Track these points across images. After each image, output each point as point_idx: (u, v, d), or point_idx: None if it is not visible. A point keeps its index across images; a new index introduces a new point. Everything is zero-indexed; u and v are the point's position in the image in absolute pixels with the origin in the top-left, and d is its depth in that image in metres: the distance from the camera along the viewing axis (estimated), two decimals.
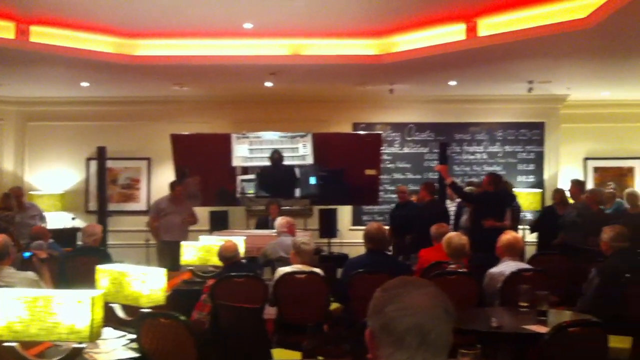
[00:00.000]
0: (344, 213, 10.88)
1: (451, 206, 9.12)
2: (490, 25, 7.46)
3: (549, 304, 4.56)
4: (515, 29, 7.22)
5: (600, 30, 6.71)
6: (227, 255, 5.75)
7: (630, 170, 11.50)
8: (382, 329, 1.57)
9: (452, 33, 7.74)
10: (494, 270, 5.39)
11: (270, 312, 5.49)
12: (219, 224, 9.79)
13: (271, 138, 10.13)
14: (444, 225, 6.80)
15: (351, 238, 10.09)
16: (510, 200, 8.76)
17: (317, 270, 5.58)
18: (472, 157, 11.24)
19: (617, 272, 5.00)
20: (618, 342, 4.27)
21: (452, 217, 8.87)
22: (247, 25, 7.60)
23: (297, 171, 9.99)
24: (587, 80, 9.66)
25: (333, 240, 10.09)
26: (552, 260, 6.88)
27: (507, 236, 5.58)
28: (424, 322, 1.53)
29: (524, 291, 4.72)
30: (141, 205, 11.04)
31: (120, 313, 4.29)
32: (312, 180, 9.98)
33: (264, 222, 9.40)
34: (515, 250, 5.53)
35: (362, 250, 5.96)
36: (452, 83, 9.79)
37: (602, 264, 5.27)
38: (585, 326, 3.66)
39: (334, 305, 6.00)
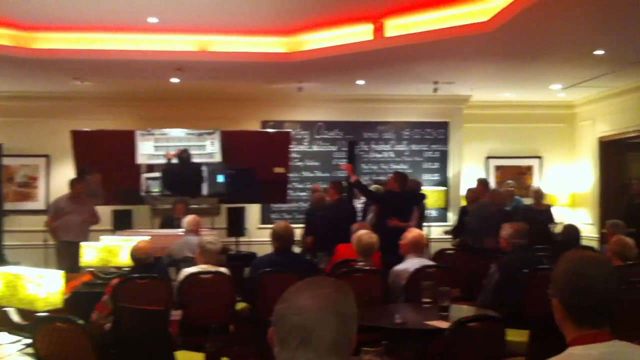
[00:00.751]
0: (253, 211, 10.82)
1: (358, 204, 9.21)
2: (397, 26, 7.58)
3: (450, 299, 4.67)
4: (421, 31, 7.37)
5: (501, 34, 6.94)
6: (140, 257, 5.57)
7: (529, 169, 11.98)
8: (274, 327, 1.60)
9: (360, 33, 7.81)
10: (399, 267, 5.47)
11: (175, 312, 5.37)
12: (122, 223, 9.50)
13: (178, 135, 9.93)
14: (365, 224, 6.85)
15: (260, 237, 10.03)
16: (419, 199, 8.91)
17: (223, 269, 5.50)
18: (379, 155, 11.41)
19: (516, 268, 5.18)
20: (516, 335, 4.41)
21: (359, 215, 8.96)
22: (152, 20, 7.42)
23: (204, 169, 9.83)
24: (489, 81, 9.99)
25: (241, 239, 10.00)
26: (454, 257, 7.07)
27: (412, 233, 5.67)
28: (307, 322, 1.54)
29: (427, 287, 4.81)
30: (39, 204, 10.59)
31: (15, 317, 4.11)
32: (220, 179, 9.84)
33: (169, 221, 9.20)
34: (419, 247, 5.63)
35: (270, 249, 5.92)
36: (360, 82, 9.90)
37: (501, 260, 5.44)
38: (484, 321, 3.76)
39: (241, 305, 5.94)
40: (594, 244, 9.83)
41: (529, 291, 5.02)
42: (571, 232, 7.26)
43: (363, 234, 5.83)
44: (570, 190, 11.75)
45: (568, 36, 7.14)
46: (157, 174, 9.74)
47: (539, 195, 9.77)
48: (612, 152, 11.10)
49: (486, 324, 3.74)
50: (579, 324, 1.96)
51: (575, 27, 6.87)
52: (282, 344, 1.56)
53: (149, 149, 9.79)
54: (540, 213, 9.44)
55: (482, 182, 9.92)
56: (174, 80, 9.19)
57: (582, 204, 11.63)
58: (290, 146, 10.55)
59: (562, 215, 10.98)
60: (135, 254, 5.57)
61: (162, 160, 9.73)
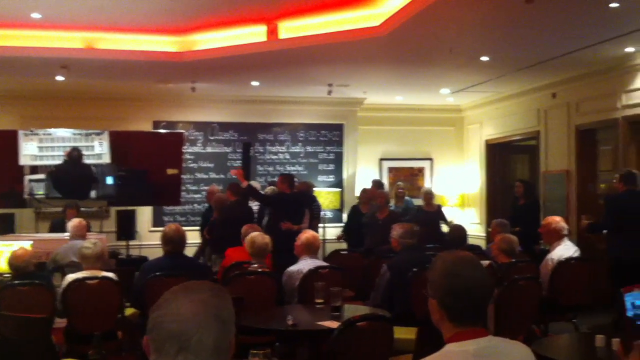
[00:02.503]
0: (144, 214, 10.54)
1: (253, 206, 9.15)
2: (291, 29, 7.59)
3: (343, 299, 4.71)
4: (314, 33, 7.41)
5: (392, 39, 7.08)
6: (19, 265, 5.27)
7: (420, 171, 12.31)
8: (149, 334, 1.55)
9: (254, 34, 7.78)
10: (293, 268, 5.48)
11: (59, 320, 5.14)
12: (3, 227, 8.99)
13: (63, 135, 9.50)
14: (255, 225, 6.79)
15: (151, 240, 9.76)
16: (309, 201, 8.94)
17: (109, 274, 5.31)
18: (275, 157, 11.40)
19: (406, 267, 5.29)
20: (405, 333, 4.51)
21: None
22: (36, 15, 7.08)
23: (94, 170, 9.45)
24: (382, 85, 10.18)
25: (132, 242, 9.70)
26: (348, 257, 7.16)
27: (306, 235, 5.70)
28: (184, 329, 1.51)
29: (319, 288, 4.85)
30: None
31: None
32: (110, 180, 9.49)
33: (60, 225, 8.77)
34: (313, 248, 5.66)
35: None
36: (255, 84, 9.85)
37: (392, 260, 5.55)
38: (372, 320, 3.80)
39: (130, 311, 5.76)
40: (482, 243, 10.21)
41: (417, 290, 5.13)
42: (457, 232, 7.51)
43: (256, 235, 5.79)
44: (459, 191, 12.17)
45: (455, 42, 7.38)
46: (41, 176, 9.29)
47: (429, 196, 10.04)
48: (497, 154, 11.59)
49: (374, 323, 3.78)
50: (455, 322, 2.01)
51: (462, 34, 7.12)
52: (159, 352, 1.52)
53: (33, 150, 9.31)
54: (431, 214, 9.70)
55: (377, 183, 10.11)
56: (60, 78, 8.81)
57: (470, 204, 12.08)
58: (183, 147, 10.35)
59: (452, 215, 11.34)
60: (13, 262, 5.28)
61: (48, 162, 9.29)
